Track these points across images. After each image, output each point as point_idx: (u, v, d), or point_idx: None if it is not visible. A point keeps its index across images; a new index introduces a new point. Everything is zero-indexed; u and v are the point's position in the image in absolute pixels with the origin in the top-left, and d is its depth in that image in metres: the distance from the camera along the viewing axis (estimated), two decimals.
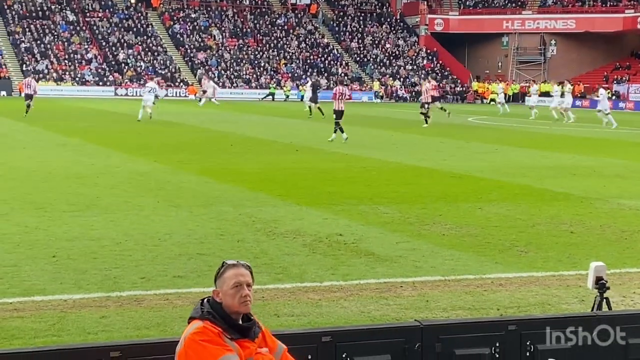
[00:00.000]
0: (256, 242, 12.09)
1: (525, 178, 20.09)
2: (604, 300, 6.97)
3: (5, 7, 75.02)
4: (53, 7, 76.86)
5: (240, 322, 4.55)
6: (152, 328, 8.03)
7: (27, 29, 73.59)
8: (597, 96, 45.66)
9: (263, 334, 4.68)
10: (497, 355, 6.01)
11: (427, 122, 38.21)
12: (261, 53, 79.19)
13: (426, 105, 39.15)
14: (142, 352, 5.44)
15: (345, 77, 78.16)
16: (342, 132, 28.80)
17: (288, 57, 79.69)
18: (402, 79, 79.69)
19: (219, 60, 76.79)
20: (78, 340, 7.50)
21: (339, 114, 29.07)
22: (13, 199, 15.41)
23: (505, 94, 76.45)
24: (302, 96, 60.89)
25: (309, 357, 5.64)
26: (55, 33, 74.40)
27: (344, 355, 5.73)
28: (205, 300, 4.58)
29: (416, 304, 9.06)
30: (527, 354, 6.05)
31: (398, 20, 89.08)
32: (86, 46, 74.27)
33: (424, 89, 40.91)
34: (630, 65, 79.94)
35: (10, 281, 9.56)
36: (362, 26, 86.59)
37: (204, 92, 57.82)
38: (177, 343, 5.56)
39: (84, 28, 76.25)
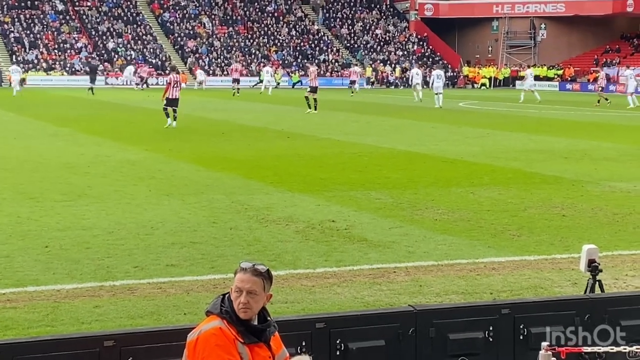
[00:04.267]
0: (249, 229, 12.08)
1: (517, 162, 20.12)
2: (597, 282, 6.99)
3: None
4: None
5: (257, 321, 4.53)
6: (146, 317, 8.03)
7: (16, 19, 73.21)
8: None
9: (275, 336, 4.65)
10: (491, 339, 6.03)
11: (313, 108, 36.98)
12: (251, 40, 78.98)
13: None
14: (136, 341, 5.44)
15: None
16: (173, 119, 28.59)
17: (278, 44, 79.49)
18: (392, 65, 79.58)
19: (209, 48, 76.57)
20: (72, 330, 7.49)
21: (172, 101, 28.87)
22: (4, 189, 15.37)
23: (493, 78, 76.78)
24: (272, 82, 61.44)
25: (303, 343, 5.65)
26: (45, 22, 74.04)
27: (338, 341, 5.74)
28: (227, 297, 4.54)
29: (409, 289, 9.07)
30: (521, 337, 6.08)
31: (388, 6, 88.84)
32: (76, 35, 73.96)
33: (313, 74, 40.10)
34: (620, 48, 79.94)
35: (2, 272, 9.55)
36: (352, 12, 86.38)
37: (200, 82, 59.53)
38: (171, 332, 5.58)
39: (73, 17, 75.88)
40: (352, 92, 58.01)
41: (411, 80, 50.71)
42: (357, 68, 67.71)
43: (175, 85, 29.04)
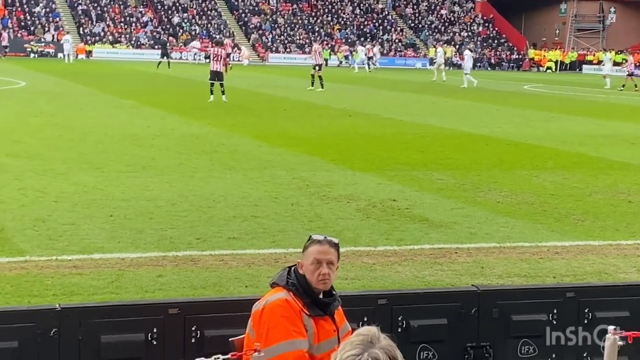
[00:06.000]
0: (310, 205, 12.11)
1: (582, 146, 19.82)
2: None
3: None
4: None
5: (322, 295, 4.55)
6: (208, 288, 8.11)
7: None
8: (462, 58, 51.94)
9: (338, 310, 4.68)
10: (555, 322, 5.97)
11: (319, 86, 36.97)
12: (315, 18, 78.89)
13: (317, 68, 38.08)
14: (200, 310, 5.50)
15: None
16: (222, 94, 28.92)
17: (342, 22, 79.27)
18: (456, 46, 78.82)
19: (272, 25, 76.69)
20: (135, 298, 7.59)
21: (215, 74, 29.17)
22: (71, 159, 15.63)
23: (560, 62, 75.66)
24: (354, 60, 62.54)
25: (365, 319, 5.65)
26: None
27: (400, 318, 5.73)
28: (292, 269, 4.58)
29: (471, 270, 9.02)
30: (585, 321, 6.00)
31: None
32: (142, 9, 74.65)
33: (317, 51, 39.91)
34: None
35: (69, 239, 9.72)
36: None
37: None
38: (235, 303, 5.62)
39: None
40: (369, 69, 60.37)
41: (434, 60, 53.48)
42: (369, 45, 67.45)
43: (216, 59, 29.32)
